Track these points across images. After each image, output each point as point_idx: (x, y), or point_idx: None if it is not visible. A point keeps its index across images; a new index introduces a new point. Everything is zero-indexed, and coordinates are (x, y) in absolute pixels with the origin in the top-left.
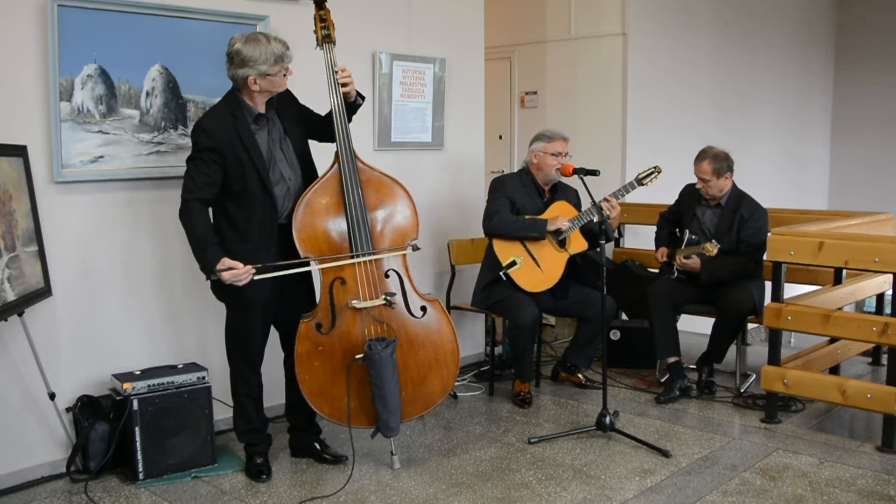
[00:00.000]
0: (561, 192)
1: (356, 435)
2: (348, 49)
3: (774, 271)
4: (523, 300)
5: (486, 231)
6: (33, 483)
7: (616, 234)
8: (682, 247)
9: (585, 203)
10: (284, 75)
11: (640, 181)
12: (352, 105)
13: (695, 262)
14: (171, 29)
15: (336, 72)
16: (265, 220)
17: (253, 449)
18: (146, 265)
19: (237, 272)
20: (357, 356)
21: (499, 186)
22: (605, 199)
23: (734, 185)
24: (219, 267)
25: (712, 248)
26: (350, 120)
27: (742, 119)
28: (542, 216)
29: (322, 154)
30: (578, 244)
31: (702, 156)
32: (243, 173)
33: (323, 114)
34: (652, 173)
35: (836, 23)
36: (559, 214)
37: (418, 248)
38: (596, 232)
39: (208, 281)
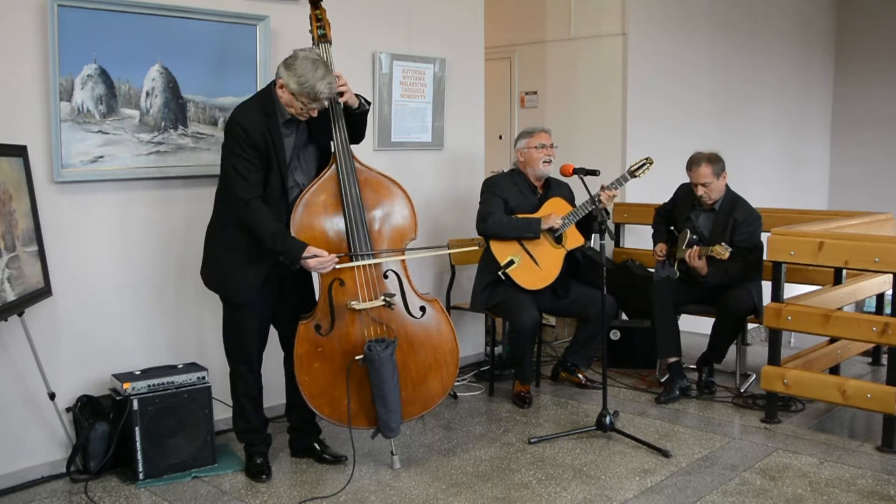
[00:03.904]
0: (554, 187)
1: (356, 435)
2: (348, 49)
3: (774, 271)
4: (523, 303)
5: (480, 233)
6: (33, 483)
7: (610, 221)
8: (682, 246)
9: (579, 199)
10: (302, 109)
11: (632, 174)
12: (360, 114)
13: (702, 263)
14: (171, 29)
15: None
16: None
17: (253, 449)
18: (146, 265)
19: (323, 259)
20: (357, 357)
21: (491, 187)
22: (603, 189)
23: (728, 189)
24: (305, 254)
25: (724, 252)
26: (363, 132)
27: (742, 119)
28: (536, 214)
29: None
30: (575, 240)
31: (696, 162)
32: (268, 174)
33: None
34: (644, 165)
35: (836, 23)
36: (553, 212)
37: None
38: (595, 231)
39: (295, 265)
